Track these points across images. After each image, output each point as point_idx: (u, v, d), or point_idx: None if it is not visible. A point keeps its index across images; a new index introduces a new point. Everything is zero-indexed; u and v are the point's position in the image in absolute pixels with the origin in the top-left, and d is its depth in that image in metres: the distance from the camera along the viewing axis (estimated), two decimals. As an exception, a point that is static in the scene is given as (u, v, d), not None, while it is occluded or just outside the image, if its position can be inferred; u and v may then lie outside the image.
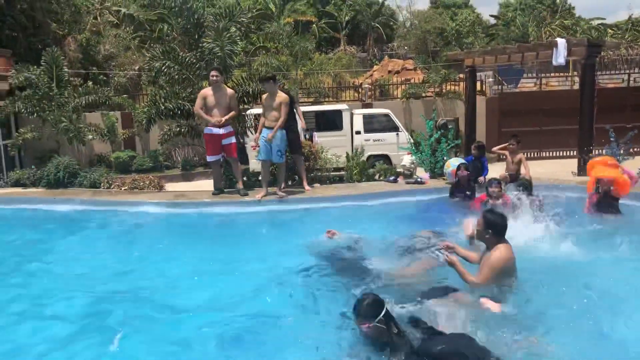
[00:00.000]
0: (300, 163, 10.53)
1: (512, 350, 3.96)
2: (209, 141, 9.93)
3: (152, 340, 4.69)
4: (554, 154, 16.38)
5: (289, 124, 9.99)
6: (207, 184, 12.46)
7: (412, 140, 12.77)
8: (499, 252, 4.81)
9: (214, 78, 9.75)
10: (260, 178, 10.60)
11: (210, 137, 9.90)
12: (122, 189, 11.32)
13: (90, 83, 16.65)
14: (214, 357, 4.43)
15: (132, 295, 5.66)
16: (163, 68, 11.31)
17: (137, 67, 20.20)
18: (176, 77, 11.37)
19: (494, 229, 4.88)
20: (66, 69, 14.51)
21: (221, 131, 9.83)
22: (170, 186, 12.61)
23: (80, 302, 5.50)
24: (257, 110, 11.51)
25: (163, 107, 11.13)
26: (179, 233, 8.49)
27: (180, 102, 11.16)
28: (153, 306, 5.38)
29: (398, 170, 11.84)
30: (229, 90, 10.04)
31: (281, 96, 9.57)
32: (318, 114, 14.96)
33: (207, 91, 9.83)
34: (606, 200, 7.85)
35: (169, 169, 16.10)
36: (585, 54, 10.70)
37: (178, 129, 11.80)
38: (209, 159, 10.20)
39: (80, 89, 14.67)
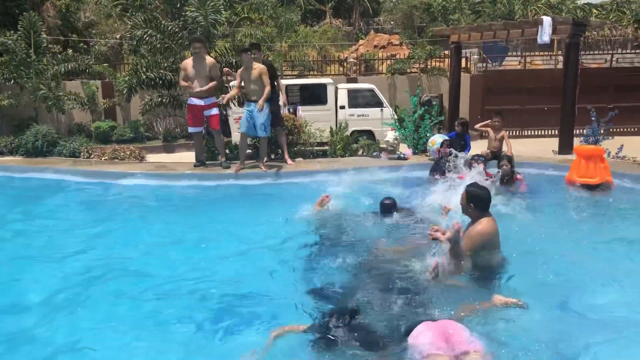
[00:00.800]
0: (282, 136, 10.45)
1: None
2: (191, 112, 9.81)
3: (131, 312, 4.69)
4: (536, 133, 16.48)
5: (271, 97, 9.87)
6: (189, 156, 12.35)
7: (396, 116, 12.74)
8: (481, 226, 4.85)
9: (196, 50, 9.59)
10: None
11: (191, 108, 9.77)
12: (102, 159, 11.19)
13: (70, 51, 16.29)
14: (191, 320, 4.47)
15: (107, 265, 5.63)
16: (145, 37, 11.12)
17: (118, 36, 19.77)
18: (158, 46, 11.18)
19: (476, 202, 4.90)
20: (45, 35, 14.15)
21: (202, 102, 9.71)
22: (152, 157, 12.47)
23: (52, 273, 5.45)
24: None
25: (144, 77, 10.96)
26: (156, 205, 8.40)
27: (162, 71, 11.00)
28: (134, 276, 5.37)
29: (381, 146, 11.84)
30: (209, 60, 9.88)
31: (258, 67, 9.39)
32: (302, 87, 14.82)
33: (188, 62, 9.67)
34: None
35: (150, 140, 15.89)
36: (570, 32, 10.70)
37: (159, 99, 11.64)
38: (191, 130, 10.08)
39: (59, 56, 14.35)
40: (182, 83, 9.66)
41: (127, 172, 9.77)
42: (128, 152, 11.51)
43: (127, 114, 16.79)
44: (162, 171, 9.86)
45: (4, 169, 10.52)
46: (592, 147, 8.97)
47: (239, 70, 9.60)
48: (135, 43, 11.67)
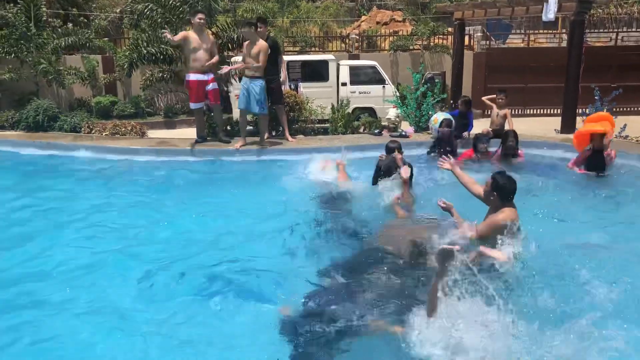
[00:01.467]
0: (282, 114, 10.41)
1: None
2: (193, 87, 9.74)
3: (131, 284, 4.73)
4: (538, 112, 16.41)
5: (272, 74, 9.80)
6: (190, 132, 12.32)
7: (398, 94, 12.68)
8: (502, 215, 4.75)
9: (202, 21, 9.49)
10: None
11: (193, 84, 9.70)
12: (103, 134, 11.17)
13: (70, 25, 16.14)
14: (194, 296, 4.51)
15: (116, 237, 5.67)
16: (145, 11, 11.01)
17: (118, 10, 19.57)
18: (159, 20, 11.06)
19: (500, 192, 4.81)
20: (44, 9, 14.02)
21: (205, 77, 9.65)
22: (153, 133, 12.45)
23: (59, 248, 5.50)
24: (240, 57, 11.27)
25: (145, 52, 10.87)
26: (158, 181, 8.41)
27: (163, 46, 10.90)
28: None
29: (383, 123, 11.80)
30: (209, 34, 9.81)
31: (260, 44, 9.31)
32: (304, 63, 14.71)
33: (191, 34, 9.54)
34: (595, 158, 7.92)
35: (151, 115, 15.83)
36: (576, 10, 10.60)
37: (160, 74, 11.57)
38: (193, 106, 10.01)
39: (59, 30, 14.23)
40: (178, 37, 9.37)
41: (129, 147, 9.77)
42: (129, 128, 11.48)
43: (127, 89, 16.70)
44: (163, 146, 9.85)
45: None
46: (603, 113, 8.83)
47: (245, 43, 9.52)
48: (135, 17, 11.55)
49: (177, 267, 4.99)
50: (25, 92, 14.07)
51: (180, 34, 9.47)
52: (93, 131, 11.32)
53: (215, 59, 9.68)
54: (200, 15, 9.54)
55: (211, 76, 9.75)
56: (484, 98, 10.64)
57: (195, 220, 6.29)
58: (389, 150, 6.79)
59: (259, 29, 9.57)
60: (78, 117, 12.01)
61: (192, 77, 9.63)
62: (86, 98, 15.71)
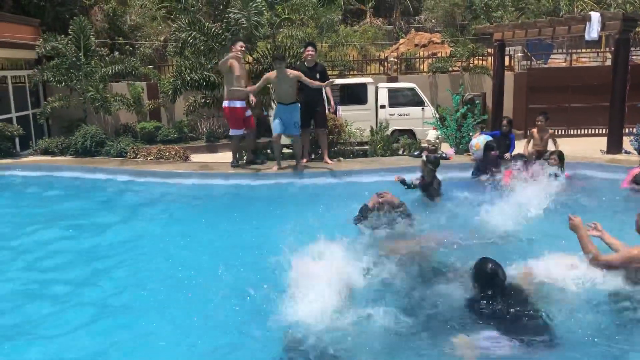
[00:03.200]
0: (324, 138, 10.48)
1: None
2: (233, 115, 9.84)
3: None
4: (582, 132, 16.05)
5: (317, 98, 9.89)
6: (231, 156, 12.53)
7: (437, 115, 12.62)
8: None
9: (243, 49, 9.72)
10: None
11: (234, 111, 9.81)
12: (148, 158, 11.46)
13: (116, 53, 16.74)
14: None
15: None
16: (189, 39, 11.32)
17: (162, 38, 20.19)
18: (202, 48, 11.36)
19: None
20: (93, 39, 14.59)
21: (244, 104, 9.81)
22: (195, 157, 12.71)
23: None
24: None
25: (189, 78, 11.18)
26: (198, 204, 8.54)
27: (205, 73, 11.18)
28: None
29: (423, 145, 11.75)
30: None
31: (293, 72, 9.46)
32: (343, 87, 14.85)
33: (234, 62, 9.69)
34: None
35: (193, 140, 16.19)
36: (620, 28, 10.39)
37: (203, 100, 11.84)
38: (234, 132, 10.05)
39: (106, 58, 14.77)
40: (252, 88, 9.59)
41: (173, 171, 9.99)
42: (173, 152, 11.75)
43: (171, 114, 17.15)
44: (205, 170, 10.03)
45: (55, 169, 10.91)
46: None
47: (266, 75, 9.62)
48: (179, 45, 11.90)
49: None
50: (74, 119, 14.62)
51: (231, 64, 9.57)
52: (138, 156, 11.63)
53: (254, 87, 9.90)
54: (241, 44, 9.75)
55: (245, 103, 9.91)
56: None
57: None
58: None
59: (309, 53, 9.75)
60: (124, 142, 12.37)
61: (237, 104, 9.70)
62: (131, 124, 16.19)
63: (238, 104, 9.70)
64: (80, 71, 13.60)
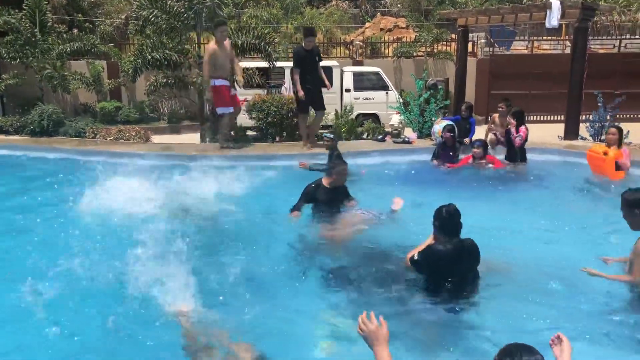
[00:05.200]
0: (319, 119, 10.47)
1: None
2: (224, 93, 9.67)
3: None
4: (542, 118, 16.41)
5: (316, 83, 9.84)
6: (194, 137, 12.38)
7: (401, 100, 12.69)
8: None
9: (225, 33, 9.69)
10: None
11: (221, 89, 9.66)
12: (108, 139, 11.21)
13: (75, 30, 16.25)
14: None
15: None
16: (150, 17, 11.07)
17: (123, 16, 19.70)
18: (164, 26, 11.14)
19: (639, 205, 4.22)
20: (49, 15, 14.12)
21: (228, 83, 9.75)
22: (157, 138, 12.49)
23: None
24: (245, 63, 11.33)
25: (150, 57, 10.94)
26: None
27: (167, 52, 10.97)
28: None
29: (386, 129, 11.81)
30: (228, 41, 9.89)
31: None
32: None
33: (215, 47, 9.49)
34: None
35: (155, 121, 15.92)
36: (579, 16, 10.59)
37: (165, 80, 11.62)
38: (223, 110, 9.84)
39: (64, 35, 14.32)
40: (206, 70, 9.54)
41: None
42: (133, 133, 11.52)
43: (132, 94, 16.79)
44: (167, 152, 9.87)
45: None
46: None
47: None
48: (140, 23, 11.62)
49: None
50: (30, 97, 14.15)
51: (209, 53, 9.46)
52: (97, 136, 11.37)
53: (239, 65, 9.80)
54: (222, 28, 9.65)
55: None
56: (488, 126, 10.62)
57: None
58: None
59: (309, 40, 9.75)
60: (83, 123, 12.07)
61: (220, 82, 9.58)
62: (91, 103, 15.80)
63: (222, 82, 9.59)
64: (36, 48, 13.14)
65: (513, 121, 8.81)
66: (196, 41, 11.98)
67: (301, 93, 9.62)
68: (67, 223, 5.79)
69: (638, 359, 3.62)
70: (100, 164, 7.42)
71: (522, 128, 8.76)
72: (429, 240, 4.42)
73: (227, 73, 9.63)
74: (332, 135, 8.97)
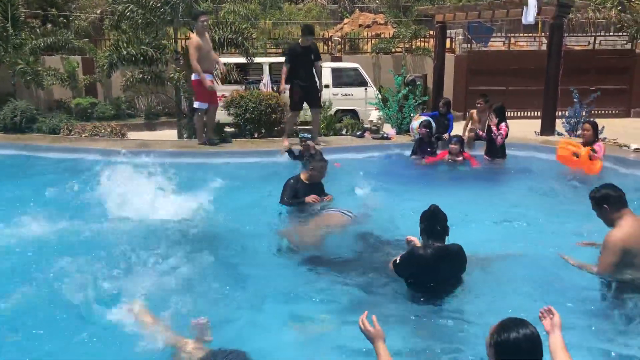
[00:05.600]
0: (317, 118, 10.32)
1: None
2: (202, 87, 9.43)
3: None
4: (519, 114, 16.56)
5: (311, 81, 9.66)
6: (172, 134, 12.25)
7: (380, 96, 12.71)
8: (618, 230, 4.13)
9: (205, 23, 9.44)
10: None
11: (203, 84, 9.47)
12: (83, 135, 11.04)
13: (49, 25, 15.95)
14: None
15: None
16: (126, 12, 10.88)
17: (99, 11, 19.40)
18: (140, 21, 10.96)
19: (607, 201, 4.19)
20: (22, 9, 13.82)
21: (212, 77, 9.61)
22: (133, 135, 12.33)
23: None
24: (223, 58, 11.20)
25: (125, 53, 10.75)
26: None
27: (143, 47, 10.79)
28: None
29: (365, 125, 11.82)
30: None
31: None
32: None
33: (198, 40, 9.29)
34: None
35: (132, 117, 15.72)
36: (555, 13, 10.70)
37: (141, 75, 11.46)
38: (200, 105, 9.59)
39: (38, 30, 14.04)
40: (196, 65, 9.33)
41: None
42: (109, 130, 11.36)
43: (108, 90, 16.54)
44: (143, 149, 9.72)
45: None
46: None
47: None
48: (116, 18, 11.42)
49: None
50: (2, 93, 13.84)
51: (194, 48, 9.25)
52: (72, 133, 11.17)
53: (221, 63, 9.70)
54: (203, 17, 9.41)
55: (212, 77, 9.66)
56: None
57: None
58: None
59: (306, 39, 9.53)
60: (57, 119, 11.86)
61: (206, 76, 9.34)
62: (66, 99, 15.53)
63: (208, 77, 9.40)
64: (8, 43, 12.84)
65: (495, 119, 8.86)
66: (173, 36, 11.83)
67: (283, 87, 9.50)
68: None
69: (611, 347, 3.67)
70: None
71: (503, 125, 8.84)
72: (416, 243, 4.34)
73: (211, 65, 9.45)
74: (309, 136, 8.91)
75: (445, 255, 4.08)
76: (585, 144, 8.09)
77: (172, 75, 10.97)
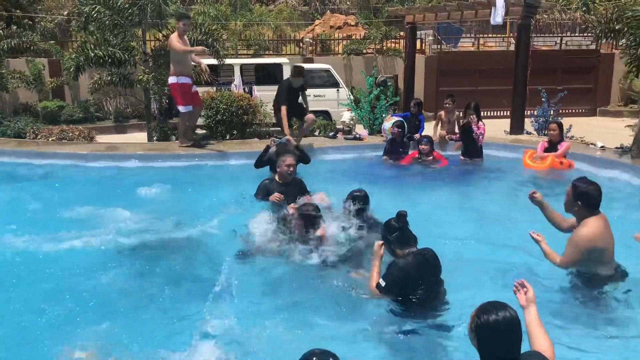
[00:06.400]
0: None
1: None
2: (183, 90, 9.35)
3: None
4: (489, 114, 16.75)
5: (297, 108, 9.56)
6: (141, 137, 12.09)
7: (352, 97, 12.73)
8: (586, 229, 4.21)
9: (186, 26, 9.37)
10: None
11: (184, 87, 9.36)
12: (50, 139, 10.79)
13: (13, 27, 15.57)
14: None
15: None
16: (93, 13, 10.70)
17: (66, 12, 19.02)
18: (107, 22, 10.79)
19: (583, 199, 4.22)
20: (-15, 10, 13.50)
21: (191, 80, 9.48)
22: (102, 138, 12.11)
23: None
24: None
25: (93, 55, 10.56)
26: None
27: (111, 49, 10.62)
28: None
29: (338, 126, 11.83)
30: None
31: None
32: (258, 67, 14.66)
33: (179, 41, 9.17)
34: None
35: (100, 120, 15.46)
36: (522, 14, 10.87)
37: (109, 78, 11.28)
38: (185, 109, 9.48)
39: (1, 32, 13.70)
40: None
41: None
42: (77, 133, 11.13)
43: (76, 93, 16.24)
44: (113, 152, 9.58)
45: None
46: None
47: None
48: (83, 20, 11.22)
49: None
50: (-35, 97, 13.53)
51: (176, 39, 9.12)
52: (39, 136, 10.92)
53: (201, 61, 9.52)
54: (184, 21, 9.32)
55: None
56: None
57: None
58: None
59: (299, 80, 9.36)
60: (22, 122, 11.58)
61: (183, 80, 9.25)
62: (32, 103, 15.20)
63: (186, 79, 9.30)
64: (-29, 45, 12.54)
65: (475, 117, 8.96)
66: (142, 38, 11.66)
67: (287, 132, 8.97)
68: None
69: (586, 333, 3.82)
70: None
71: (481, 124, 8.95)
72: (377, 262, 4.19)
73: (188, 69, 9.34)
74: (282, 139, 8.83)
75: (426, 258, 3.99)
76: (550, 143, 8.30)
77: (141, 77, 10.81)
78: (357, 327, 3.90)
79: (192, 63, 9.44)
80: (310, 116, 9.71)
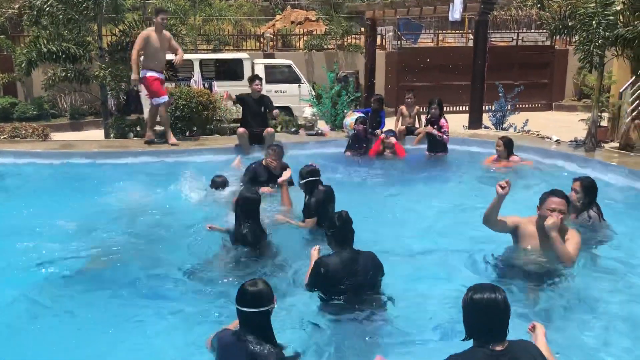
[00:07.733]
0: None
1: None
2: (154, 84, 9.15)
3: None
4: (448, 109, 16.96)
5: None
6: (98, 134, 11.81)
7: (313, 93, 12.71)
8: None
9: (164, 21, 9.21)
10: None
11: (157, 80, 9.18)
12: (2, 137, 10.44)
13: (-40, 21, 15.01)
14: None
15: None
16: (45, 7, 10.35)
17: (17, 6, 18.36)
18: (61, 17, 10.45)
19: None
20: None
21: (162, 76, 9.33)
22: (58, 136, 11.79)
23: None
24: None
25: (46, 50, 10.23)
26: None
27: (65, 44, 10.31)
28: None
29: (300, 122, 11.79)
30: (167, 33, 9.40)
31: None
32: (218, 62, 14.50)
33: (152, 34, 9.00)
34: None
35: (55, 117, 15.03)
36: (479, 10, 11.05)
37: (64, 74, 10.95)
38: (162, 100, 9.24)
39: (-52, 26, 13.18)
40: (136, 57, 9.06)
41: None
42: (30, 130, 10.80)
43: (29, 89, 15.74)
44: (69, 150, 9.30)
45: None
46: None
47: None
48: (35, 13, 10.84)
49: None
50: None
51: (141, 38, 8.95)
52: (-11, 135, 10.54)
53: (181, 54, 9.37)
54: (162, 15, 9.18)
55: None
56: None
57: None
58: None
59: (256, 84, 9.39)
60: (-28, 120, 11.17)
61: (151, 74, 9.08)
62: (-18, 100, 14.66)
63: (153, 73, 9.12)
64: None
65: (439, 115, 9.11)
66: (97, 33, 11.36)
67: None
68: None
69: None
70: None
71: (443, 121, 9.10)
72: (315, 256, 4.22)
73: (160, 65, 9.19)
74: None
75: (357, 260, 3.98)
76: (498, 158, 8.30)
77: (97, 73, 10.53)
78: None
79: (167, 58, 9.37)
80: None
